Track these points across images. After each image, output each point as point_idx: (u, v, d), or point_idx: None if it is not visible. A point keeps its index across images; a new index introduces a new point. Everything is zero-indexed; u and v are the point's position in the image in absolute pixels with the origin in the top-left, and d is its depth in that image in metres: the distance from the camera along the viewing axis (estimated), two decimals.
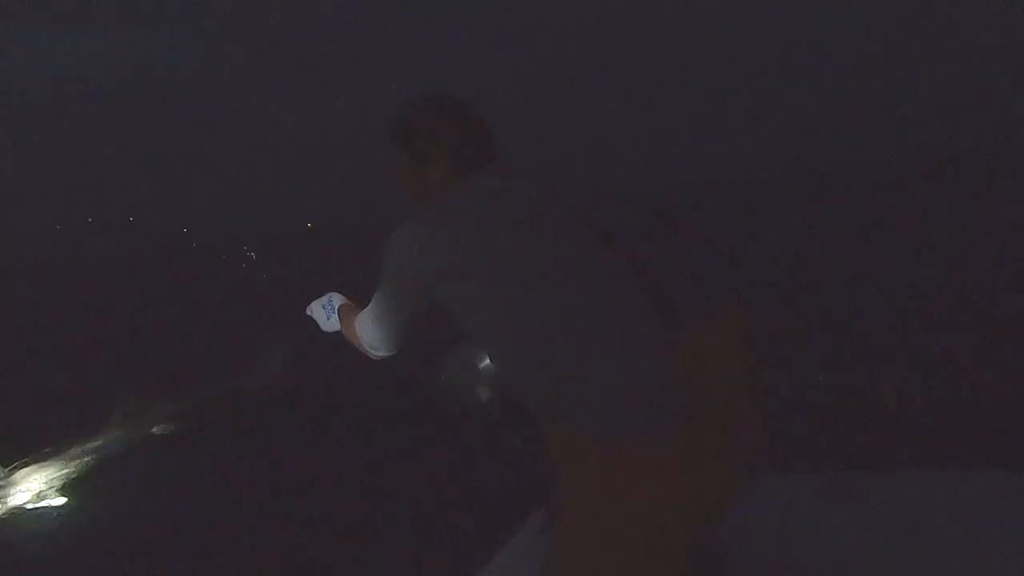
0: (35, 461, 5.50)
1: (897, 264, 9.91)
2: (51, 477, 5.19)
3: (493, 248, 1.35)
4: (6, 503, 4.79)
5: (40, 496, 4.86)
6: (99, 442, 5.82)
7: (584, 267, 1.37)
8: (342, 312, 1.73)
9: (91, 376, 8.99)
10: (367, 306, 1.56)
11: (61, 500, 4.79)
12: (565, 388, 1.28)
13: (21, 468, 5.36)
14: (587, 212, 1.47)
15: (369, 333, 1.54)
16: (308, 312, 1.81)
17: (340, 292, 1.80)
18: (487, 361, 1.44)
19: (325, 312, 1.78)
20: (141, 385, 7.04)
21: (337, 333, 1.73)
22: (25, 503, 4.79)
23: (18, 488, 5.01)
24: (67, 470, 5.31)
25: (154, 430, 6.05)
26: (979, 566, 1.89)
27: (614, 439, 1.26)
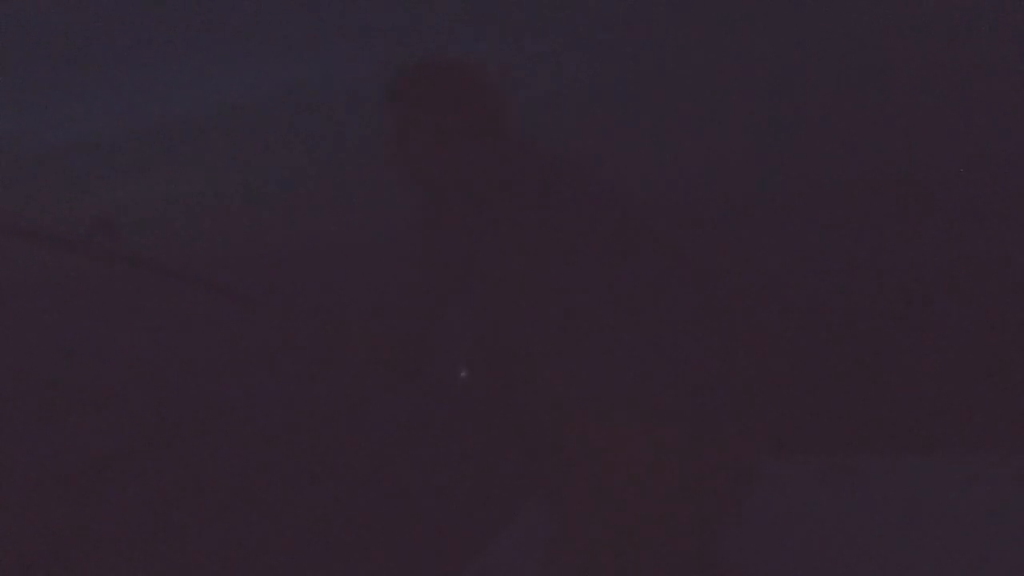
0: None
1: (897, 250, 9.92)
2: None
3: (535, 214, 1.29)
4: None
5: None
6: None
7: (633, 244, 1.32)
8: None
9: None
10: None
11: None
12: (609, 369, 1.23)
13: None
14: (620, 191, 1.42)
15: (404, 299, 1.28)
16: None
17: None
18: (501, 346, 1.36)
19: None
20: None
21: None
22: None
23: None
24: None
25: None
26: (978, 551, 1.88)
27: (653, 427, 1.22)
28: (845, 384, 4.39)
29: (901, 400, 3.98)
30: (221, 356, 9.50)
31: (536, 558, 1.46)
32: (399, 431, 4.94)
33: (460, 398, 1.50)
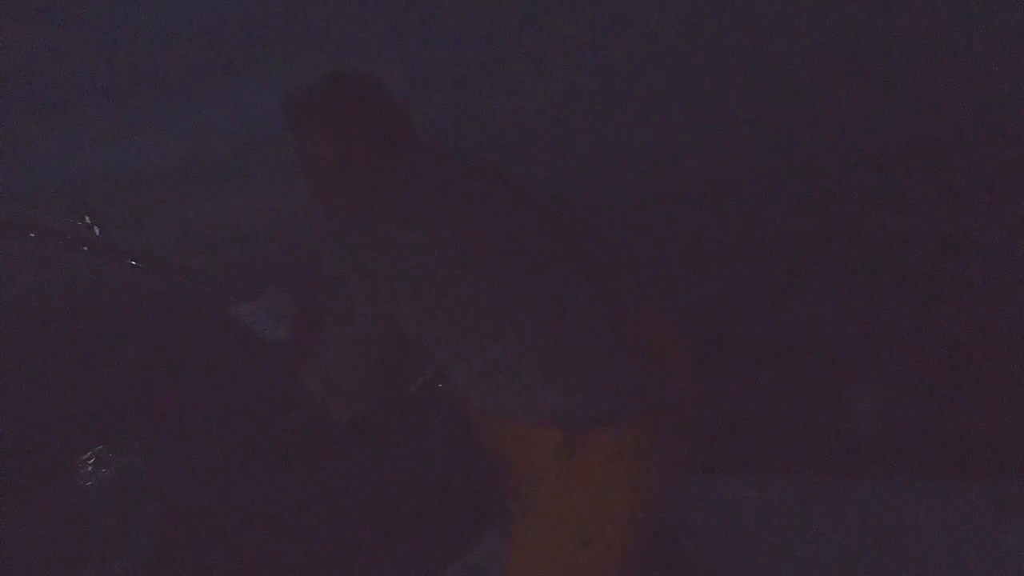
0: None
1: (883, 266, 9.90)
2: None
3: (444, 222, 1.27)
4: None
5: None
6: None
7: (537, 248, 1.32)
8: (298, 328, 1.45)
9: None
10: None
11: None
12: (525, 376, 1.23)
13: None
14: (530, 191, 1.41)
15: (328, 371, 1.30)
16: (237, 316, 1.49)
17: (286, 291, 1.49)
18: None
19: (269, 320, 1.43)
20: None
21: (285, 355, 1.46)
22: None
23: None
24: None
25: None
26: (955, 574, 1.89)
27: (575, 428, 1.22)
28: (815, 402, 4.39)
29: (880, 422, 3.98)
30: (203, 351, 9.51)
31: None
32: (376, 439, 4.93)
33: (424, 409, 1.50)
